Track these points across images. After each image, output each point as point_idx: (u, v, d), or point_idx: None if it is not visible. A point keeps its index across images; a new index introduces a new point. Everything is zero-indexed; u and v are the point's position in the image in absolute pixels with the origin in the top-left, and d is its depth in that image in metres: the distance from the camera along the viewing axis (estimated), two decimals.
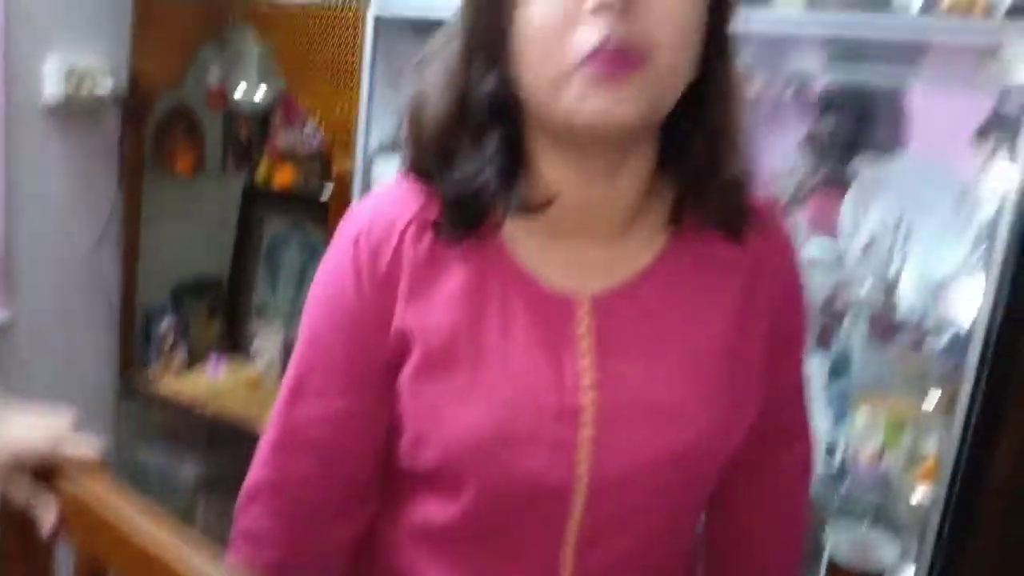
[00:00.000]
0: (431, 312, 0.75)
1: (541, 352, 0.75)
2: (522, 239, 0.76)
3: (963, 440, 1.28)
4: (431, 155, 0.75)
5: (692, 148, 0.73)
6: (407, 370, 0.77)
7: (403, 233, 0.76)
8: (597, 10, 0.62)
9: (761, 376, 0.81)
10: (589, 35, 0.63)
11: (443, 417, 0.75)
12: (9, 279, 2.12)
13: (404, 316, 0.76)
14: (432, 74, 0.74)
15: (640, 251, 0.77)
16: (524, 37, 0.66)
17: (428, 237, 0.76)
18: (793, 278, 0.85)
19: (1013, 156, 1.25)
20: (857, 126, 1.79)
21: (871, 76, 1.69)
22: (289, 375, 0.82)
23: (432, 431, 0.76)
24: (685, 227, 0.77)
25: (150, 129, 2.31)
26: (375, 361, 0.78)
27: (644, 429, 0.75)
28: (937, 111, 1.79)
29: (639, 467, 0.75)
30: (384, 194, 0.81)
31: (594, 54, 0.63)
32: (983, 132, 1.64)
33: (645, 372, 0.76)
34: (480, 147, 0.72)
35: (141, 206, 2.33)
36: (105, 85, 2.16)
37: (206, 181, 2.46)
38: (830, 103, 1.70)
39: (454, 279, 0.76)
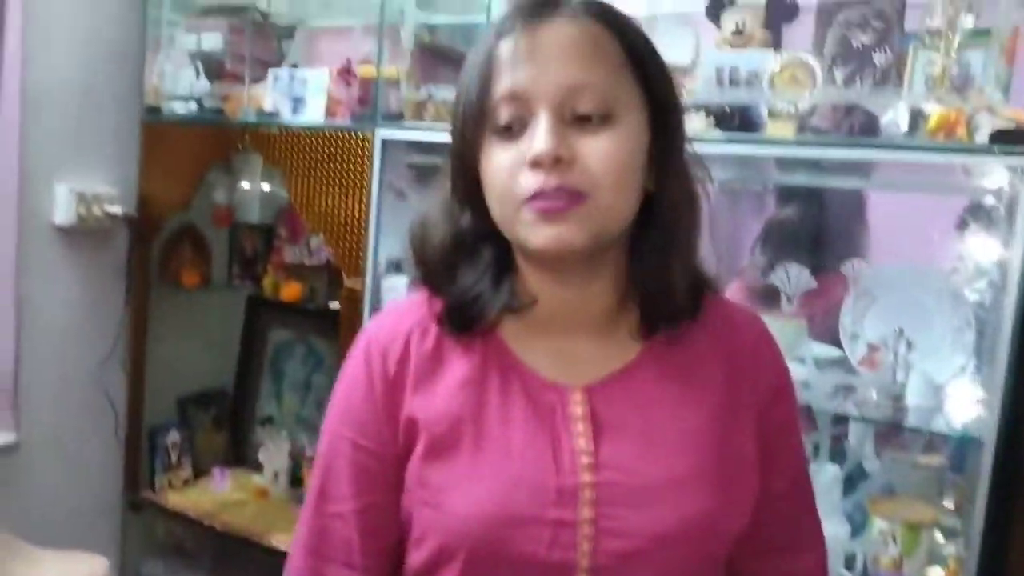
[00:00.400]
0: (435, 401, 0.82)
1: (539, 436, 0.80)
2: (517, 337, 0.84)
3: (983, 545, 1.30)
4: (435, 272, 0.86)
5: (644, 255, 0.82)
6: (414, 459, 0.82)
7: (408, 336, 0.85)
8: (532, 166, 0.74)
9: (756, 465, 0.83)
10: (528, 183, 0.75)
11: (446, 501, 0.80)
12: (17, 400, 2.13)
13: (411, 407, 0.83)
14: (429, 209, 0.88)
15: (625, 346, 0.84)
16: (487, 183, 0.79)
17: (432, 336, 0.85)
18: (773, 364, 0.88)
19: (1006, 239, 1.30)
20: (818, 219, 1.88)
21: (832, 182, 1.78)
22: (314, 478, 0.89)
23: (436, 517, 0.80)
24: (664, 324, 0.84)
25: (157, 247, 2.36)
26: (388, 457, 0.84)
27: (642, 508, 0.78)
28: (901, 210, 1.88)
29: (639, 547, 0.77)
30: (394, 306, 0.93)
31: (533, 198, 0.74)
32: (961, 225, 1.72)
33: (640, 452, 0.79)
34: (474, 263, 0.84)
35: (148, 322, 2.36)
36: (114, 208, 2.21)
37: (212, 295, 2.50)
38: (789, 196, 1.78)
39: (456, 371, 0.83)
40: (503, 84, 0.76)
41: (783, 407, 0.88)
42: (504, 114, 0.76)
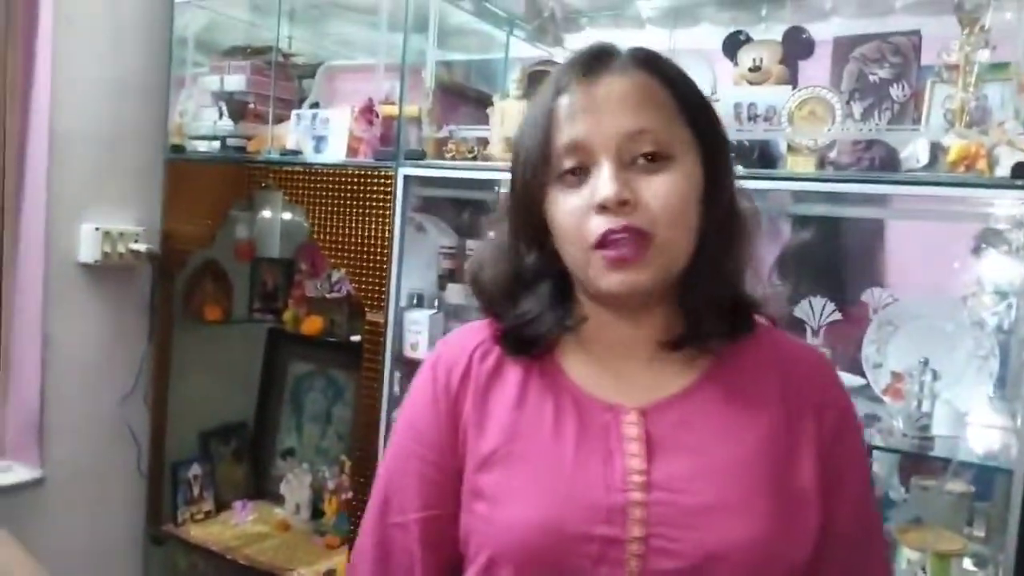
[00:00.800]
0: (492, 416, 0.87)
1: (592, 454, 0.82)
2: (574, 359, 0.89)
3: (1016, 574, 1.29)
4: (495, 301, 0.91)
5: (694, 285, 0.85)
6: (468, 471, 0.86)
7: (472, 353, 0.90)
8: (599, 210, 0.79)
9: (816, 499, 0.82)
10: (597, 226, 0.79)
11: (497, 512, 0.83)
12: (42, 436, 2.15)
13: (469, 419, 0.87)
14: (485, 247, 0.96)
15: (680, 373, 0.86)
16: (556, 225, 0.84)
17: (494, 355, 0.90)
18: (837, 399, 0.88)
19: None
20: (834, 246, 1.89)
21: (849, 212, 1.79)
22: (376, 491, 0.93)
23: (486, 528, 0.83)
24: (722, 353, 0.86)
25: (180, 282, 2.39)
26: (449, 469, 0.88)
27: (691, 530, 0.78)
28: (918, 236, 1.90)
29: (686, 567, 0.77)
30: (462, 328, 0.97)
31: (602, 241, 0.79)
32: (977, 250, 1.73)
33: (692, 475, 0.81)
34: (534, 293, 0.89)
35: (170, 357, 2.38)
36: (139, 245, 2.25)
37: (233, 329, 2.52)
38: (804, 223, 1.79)
39: (513, 389, 0.87)
40: (565, 136, 0.81)
41: (847, 445, 0.87)
42: (568, 163, 0.81)
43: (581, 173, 0.81)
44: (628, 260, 0.79)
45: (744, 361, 0.87)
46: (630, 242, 0.78)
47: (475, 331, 0.94)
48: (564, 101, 0.82)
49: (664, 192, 0.79)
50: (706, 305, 0.85)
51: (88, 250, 2.18)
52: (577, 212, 0.81)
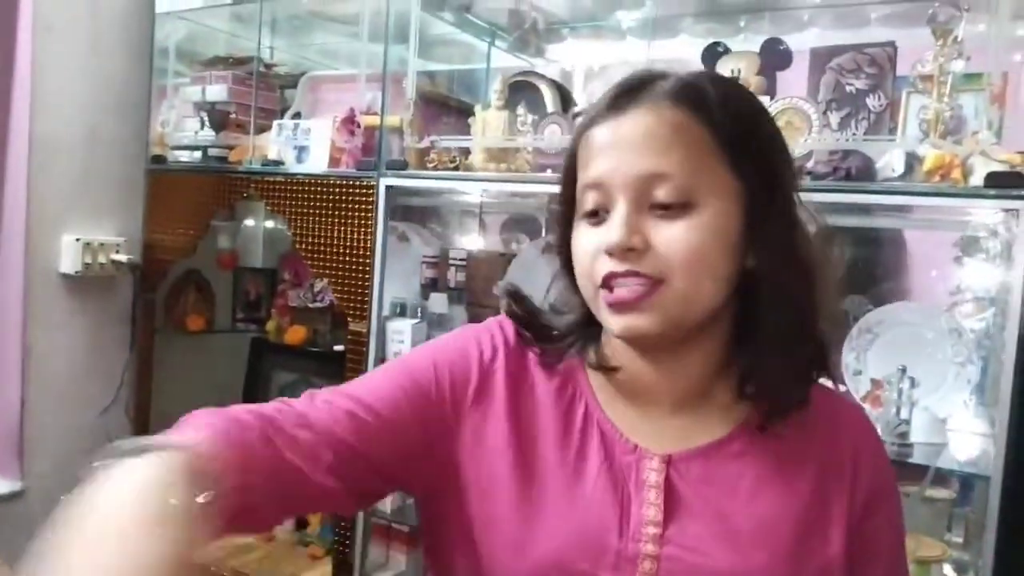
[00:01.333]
0: (523, 422, 0.82)
1: (609, 495, 0.78)
2: (604, 391, 0.84)
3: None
4: (529, 325, 0.87)
5: (748, 337, 0.80)
6: (472, 495, 0.80)
7: (526, 348, 0.86)
8: (607, 254, 0.76)
9: (843, 569, 0.78)
10: (603, 268, 0.76)
11: (502, 533, 0.78)
12: (22, 448, 2.13)
13: (488, 411, 0.82)
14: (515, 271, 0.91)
15: (715, 422, 0.81)
16: (576, 261, 0.81)
17: (533, 363, 0.86)
18: (876, 469, 0.83)
19: (1003, 273, 1.31)
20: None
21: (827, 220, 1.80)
22: (370, 373, 0.87)
23: (493, 550, 0.78)
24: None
25: (162, 292, 2.38)
26: (430, 403, 0.81)
27: None
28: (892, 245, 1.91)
29: None
30: (503, 325, 0.91)
31: (606, 284, 0.76)
32: (956, 258, 1.75)
33: (710, 533, 0.76)
34: (565, 319, 0.86)
35: (152, 367, 2.37)
36: (120, 256, 2.24)
37: (216, 338, 2.51)
38: None
39: (544, 410, 0.83)
40: (589, 173, 0.78)
41: (882, 516, 0.82)
42: (589, 201, 0.78)
43: (603, 213, 0.77)
44: (627, 303, 0.75)
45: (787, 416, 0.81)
46: (631, 285, 0.74)
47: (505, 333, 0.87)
48: (594, 134, 0.79)
49: (681, 240, 0.74)
50: (763, 367, 0.79)
51: (69, 261, 2.17)
52: (591, 250, 0.77)
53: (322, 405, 0.79)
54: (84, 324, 2.26)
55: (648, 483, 0.79)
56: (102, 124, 2.23)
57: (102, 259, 2.22)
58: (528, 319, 0.87)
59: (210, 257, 2.44)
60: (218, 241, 2.44)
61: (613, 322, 0.77)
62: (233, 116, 2.19)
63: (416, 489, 0.85)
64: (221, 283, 2.52)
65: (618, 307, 0.76)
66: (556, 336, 0.86)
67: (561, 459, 0.80)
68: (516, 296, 0.88)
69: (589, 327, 0.84)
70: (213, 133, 2.19)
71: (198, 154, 2.24)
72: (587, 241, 0.78)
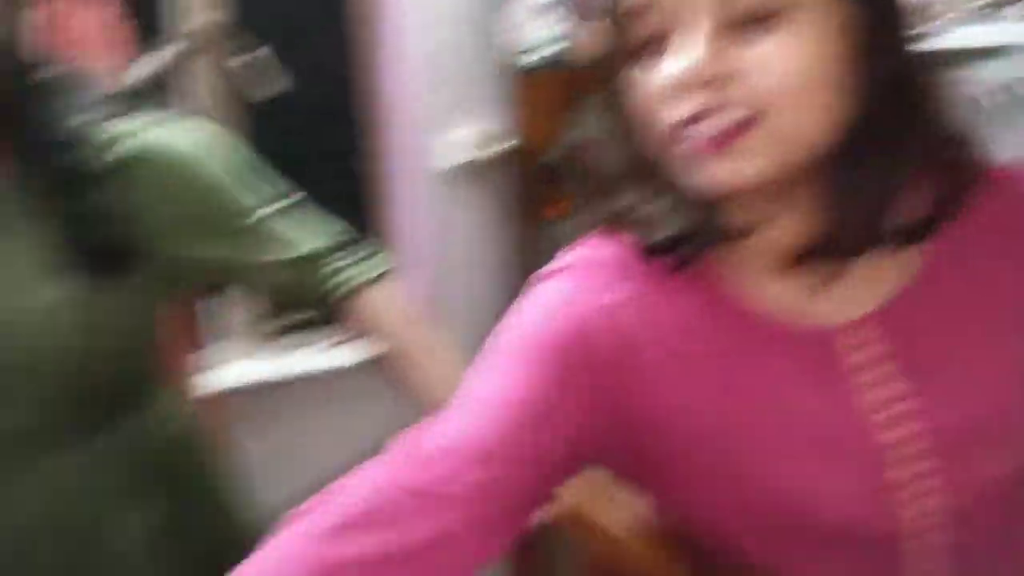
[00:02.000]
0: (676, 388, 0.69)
1: (814, 400, 0.66)
2: (746, 284, 0.68)
3: None
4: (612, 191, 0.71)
5: (848, 181, 0.63)
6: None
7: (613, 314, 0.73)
8: (680, 90, 0.59)
9: None
10: (677, 110, 0.60)
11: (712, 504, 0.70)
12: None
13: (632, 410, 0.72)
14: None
15: (892, 267, 0.67)
16: (627, 120, 0.66)
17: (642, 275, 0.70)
18: None
19: None
20: None
21: None
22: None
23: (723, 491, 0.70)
24: (943, 232, 0.66)
25: (528, 184, 2.58)
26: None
27: (970, 457, 0.65)
28: None
29: (973, 499, 0.65)
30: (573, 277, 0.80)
31: (685, 127, 0.60)
32: None
33: (949, 391, 0.65)
34: (662, 186, 0.66)
35: (538, 256, 2.60)
36: (494, 150, 2.49)
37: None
38: None
39: (679, 337, 0.68)
40: None
41: None
42: (640, 29, 0.61)
43: (658, 40, 0.60)
44: (719, 145, 0.59)
45: (980, 220, 0.67)
46: (723, 122, 0.58)
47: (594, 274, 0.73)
48: None
49: (776, 60, 0.57)
50: (872, 200, 0.63)
51: (451, 157, 2.46)
52: (658, 91, 0.61)
53: None
54: (467, 216, 2.55)
55: (853, 365, 0.66)
56: (469, 28, 2.44)
57: (481, 154, 2.48)
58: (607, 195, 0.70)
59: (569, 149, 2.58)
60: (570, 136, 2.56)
61: (699, 175, 0.61)
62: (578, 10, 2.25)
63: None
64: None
65: (708, 151, 0.59)
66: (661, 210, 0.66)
67: (739, 396, 0.66)
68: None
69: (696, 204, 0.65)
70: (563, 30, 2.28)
71: (553, 50, 2.35)
72: (649, 81, 0.61)
